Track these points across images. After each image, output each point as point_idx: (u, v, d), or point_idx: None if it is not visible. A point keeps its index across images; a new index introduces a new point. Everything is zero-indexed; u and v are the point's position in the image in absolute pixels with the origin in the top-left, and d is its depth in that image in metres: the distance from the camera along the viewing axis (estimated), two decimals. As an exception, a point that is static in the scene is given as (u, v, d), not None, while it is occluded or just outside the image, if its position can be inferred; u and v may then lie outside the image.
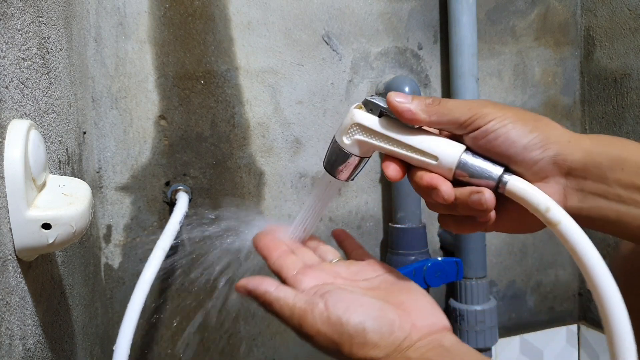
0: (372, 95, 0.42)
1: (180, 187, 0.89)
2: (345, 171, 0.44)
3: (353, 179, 0.45)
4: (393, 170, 0.41)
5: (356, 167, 0.44)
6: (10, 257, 0.37)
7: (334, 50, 0.96)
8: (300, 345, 0.99)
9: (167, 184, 0.90)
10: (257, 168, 0.94)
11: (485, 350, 1.02)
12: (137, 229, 0.89)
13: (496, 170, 0.39)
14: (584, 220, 0.38)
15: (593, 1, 1.08)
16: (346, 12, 0.96)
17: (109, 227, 0.88)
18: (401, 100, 0.40)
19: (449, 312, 1.04)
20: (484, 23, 1.05)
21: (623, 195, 0.36)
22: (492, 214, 0.40)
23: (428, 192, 0.40)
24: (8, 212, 0.37)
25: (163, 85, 0.88)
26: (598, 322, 1.13)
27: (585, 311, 1.17)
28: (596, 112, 1.10)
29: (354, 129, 0.42)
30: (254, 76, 0.92)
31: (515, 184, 0.38)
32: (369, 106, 0.42)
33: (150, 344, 0.92)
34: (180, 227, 0.81)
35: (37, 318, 0.43)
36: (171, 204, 0.89)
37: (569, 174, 0.38)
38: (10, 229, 0.37)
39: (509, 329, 1.12)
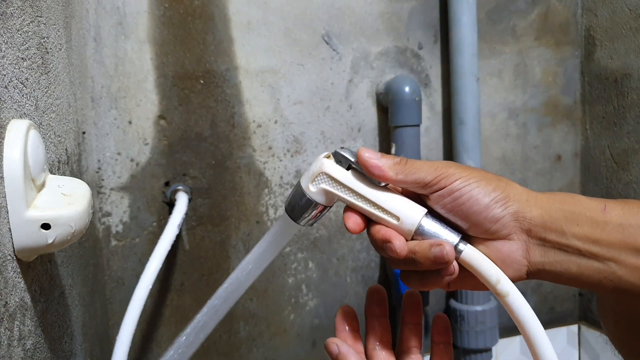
0: (342, 148, 0.43)
1: (179, 187, 0.89)
2: (306, 216, 0.44)
3: (312, 225, 0.46)
4: (353, 222, 0.42)
5: (318, 214, 0.44)
6: (9, 257, 0.37)
7: (334, 49, 0.96)
8: (301, 346, 0.99)
9: (167, 184, 0.90)
10: (257, 168, 0.94)
11: (486, 350, 1.02)
12: (136, 229, 0.89)
13: (452, 238, 0.40)
14: (548, 274, 0.40)
15: (593, 1, 1.08)
16: (346, 12, 0.96)
17: (108, 227, 0.88)
18: (370, 156, 0.41)
19: (449, 312, 1.04)
20: (485, 23, 1.05)
21: (581, 248, 0.38)
22: (455, 266, 0.40)
23: (382, 246, 0.41)
24: (7, 212, 0.36)
25: (162, 85, 0.88)
26: (598, 323, 1.13)
27: (585, 311, 1.17)
28: (597, 112, 1.10)
29: (322, 177, 0.42)
30: (253, 76, 0.92)
31: (470, 253, 0.40)
32: (337, 158, 0.43)
33: (150, 344, 0.92)
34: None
35: (36, 318, 0.43)
36: (171, 204, 0.89)
37: (530, 230, 0.40)
38: (10, 229, 0.37)
39: (509, 330, 1.12)
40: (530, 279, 0.41)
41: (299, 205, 0.44)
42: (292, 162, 0.96)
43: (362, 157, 0.41)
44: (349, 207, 0.43)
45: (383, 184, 0.42)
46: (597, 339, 1.12)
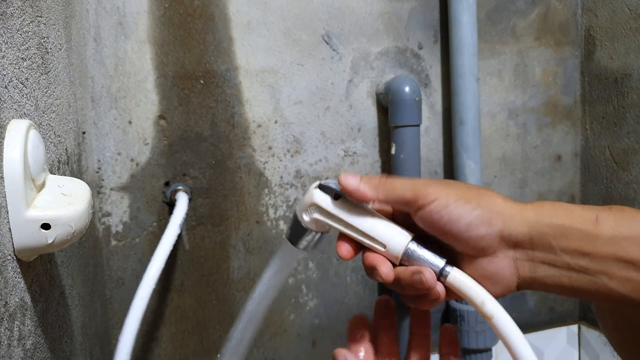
0: (326, 179, 0.45)
1: (179, 187, 0.89)
2: (304, 242, 0.46)
3: (314, 249, 0.48)
4: (345, 250, 0.44)
5: (316, 240, 0.46)
6: (9, 257, 0.37)
7: (334, 50, 0.96)
8: (301, 346, 0.99)
9: (167, 184, 0.90)
10: (257, 168, 0.94)
11: (486, 350, 1.02)
12: (136, 229, 0.89)
13: (438, 262, 0.41)
14: (540, 287, 0.40)
15: (594, 1, 1.08)
16: (346, 12, 0.96)
17: (108, 228, 0.88)
18: (351, 181, 0.42)
19: (449, 312, 1.04)
20: (484, 23, 1.05)
21: (571, 262, 0.38)
22: (440, 290, 0.41)
23: (371, 272, 0.42)
24: (7, 213, 0.36)
25: (163, 85, 0.88)
26: (598, 323, 1.13)
27: (585, 311, 1.17)
28: (597, 112, 1.10)
29: (313, 208, 0.44)
30: (253, 76, 0.92)
31: (455, 276, 0.41)
32: (324, 190, 0.44)
33: (150, 344, 0.92)
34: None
35: (36, 318, 0.43)
36: (171, 204, 0.89)
37: (517, 246, 0.39)
38: (10, 229, 0.37)
39: (509, 329, 1.12)
40: (522, 290, 0.41)
41: (296, 233, 0.46)
42: (292, 162, 0.96)
43: (343, 183, 0.42)
44: (342, 235, 0.44)
45: (370, 207, 0.44)
46: (597, 339, 1.12)
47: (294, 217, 0.46)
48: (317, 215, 0.44)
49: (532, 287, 0.40)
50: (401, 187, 0.42)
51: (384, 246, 0.42)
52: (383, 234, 0.42)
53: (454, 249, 0.41)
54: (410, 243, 0.42)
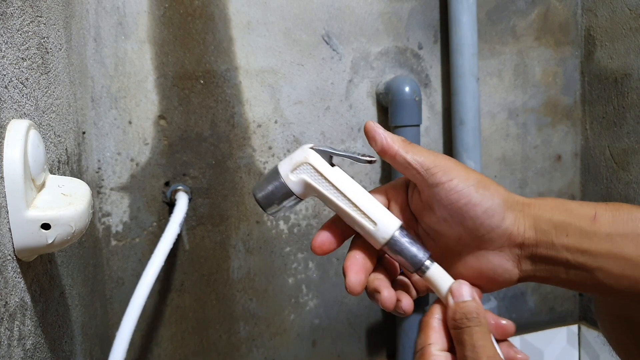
0: (318, 145, 0.42)
1: (179, 187, 0.89)
2: (276, 205, 0.42)
3: (277, 216, 0.44)
4: (319, 241, 0.42)
5: (290, 204, 0.43)
6: (9, 257, 0.37)
7: (334, 50, 0.96)
8: (301, 346, 0.99)
9: (167, 184, 0.90)
10: (257, 168, 0.94)
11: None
12: (136, 229, 0.89)
13: (421, 255, 0.40)
14: (537, 279, 0.41)
15: (594, 1, 1.08)
16: (346, 12, 0.96)
17: (108, 227, 0.88)
18: (380, 128, 0.41)
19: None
20: (484, 23, 1.05)
21: (570, 259, 0.38)
22: (407, 307, 0.41)
23: (343, 274, 0.41)
24: (7, 213, 0.36)
25: (163, 85, 0.88)
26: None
27: (585, 311, 1.17)
28: (597, 112, 1.10)
29: (305, 167, 0.41)
30: (253, 76, 0.92)
31: (434, 272, 0.40)
32: (319, 152, 0.41)
33: (150, 344, 0.92)
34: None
35: (36, 318, 0.43)
36: (171, 204, 0.89)
37: (523, 243, 0.40)
38: (10, 229, 0.37)
39: (509, 329, 1.12)
40: (520, 282, 0.41)
41: (272, 194, 0.42)
42: (292, 162, 0.96)
43: (370, 125, 0.40)
44: (327, 227, 0.42)
45: (363, 189, 0.41)
46: (597, 339, 1.12)
47: (273, 175, 0.42)
48: (306, 177, 0.41)
49: (530, 280, 0.41)
50: (425, 154, 0.40)
51: (375, 224, 0.40)
52: (377, 212, 0.40)
53: (459, 239, 0.41)
54: (400, 229, 0.40)
